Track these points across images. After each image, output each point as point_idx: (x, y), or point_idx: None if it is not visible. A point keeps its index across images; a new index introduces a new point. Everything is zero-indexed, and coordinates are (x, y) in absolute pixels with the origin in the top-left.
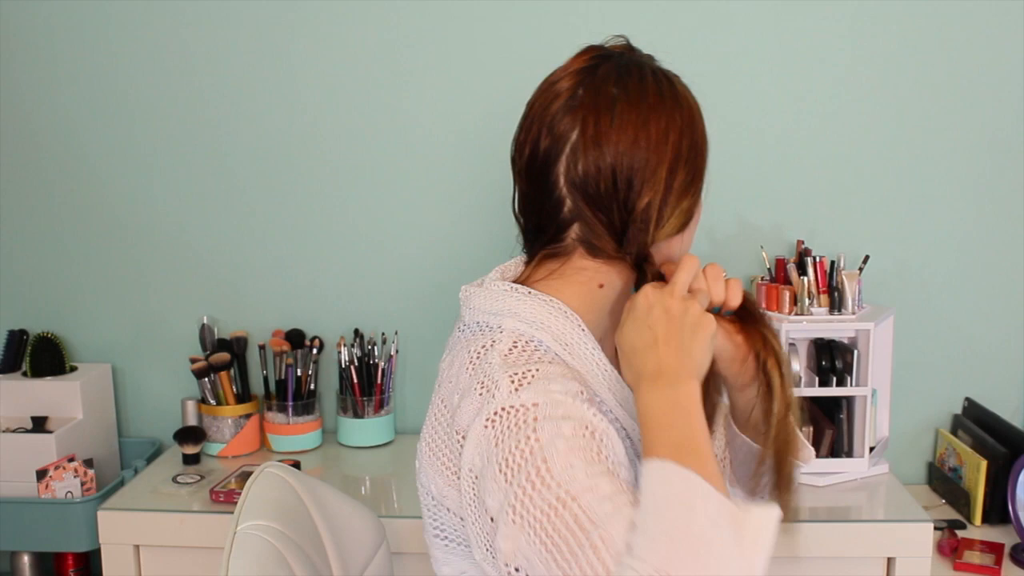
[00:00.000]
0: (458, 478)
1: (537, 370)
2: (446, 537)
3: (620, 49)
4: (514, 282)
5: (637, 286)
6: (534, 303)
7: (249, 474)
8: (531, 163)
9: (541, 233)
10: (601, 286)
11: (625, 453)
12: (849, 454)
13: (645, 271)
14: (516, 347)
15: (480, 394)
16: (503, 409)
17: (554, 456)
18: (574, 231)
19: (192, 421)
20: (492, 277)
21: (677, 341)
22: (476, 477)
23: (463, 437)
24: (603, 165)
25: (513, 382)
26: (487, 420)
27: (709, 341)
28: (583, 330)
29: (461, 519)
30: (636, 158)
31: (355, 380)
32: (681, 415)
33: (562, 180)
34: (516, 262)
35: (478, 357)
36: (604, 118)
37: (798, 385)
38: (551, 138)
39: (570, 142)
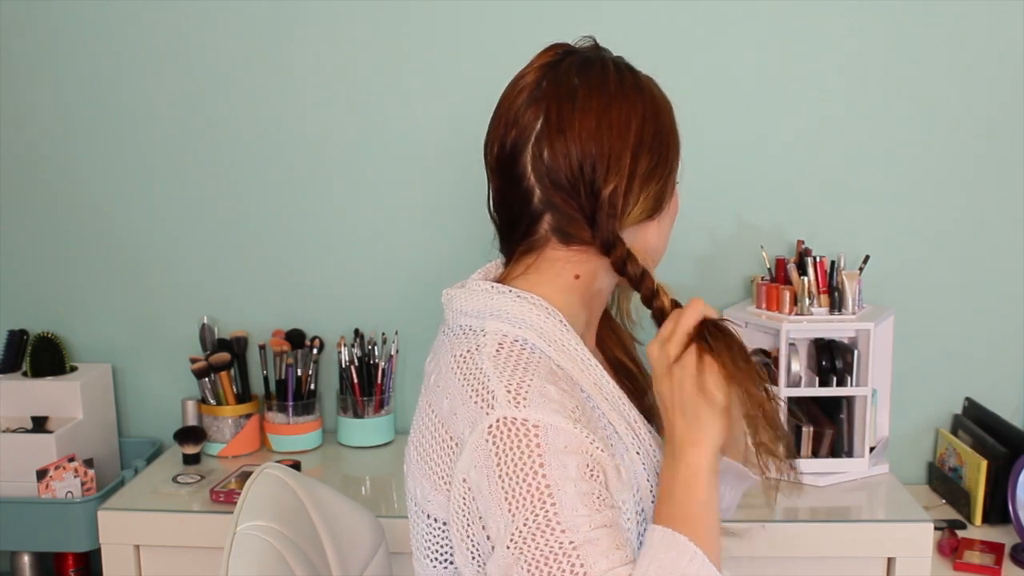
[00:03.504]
0: (447, 484)
1: (532, 381)
2: (435, 558)
3: (586, 47)
4: (494, 281)
5: (617, 271)
6: (515, 301)
7: (249, 474)
8: (499, 157)
9: (515, 228)
10: (577, 277)
11: (615, 470)
12: (849, 454)
13: (615, 257)
14: (503, 348)
15: (475, 402)
16: (502, 420)
17: (563, 500)
18: (546, 221)
19: (192, 421)
20: (474, 278)
21: (680, 404)
22: (470, 489)
23: (457, 444)
24: (567, 152)
25: (510, 392)
26: (487, 431)
27: None
28: (564, 326)
29: (444, 524)
30: (600, 145)
31: (355, 380)
32: (681, 488)
33: (529, 170)
34: (497, 263)
35: (464, 361)
36: (566, 106)
37: (798, 385)
38: (516, 130)
39: (535, 132)
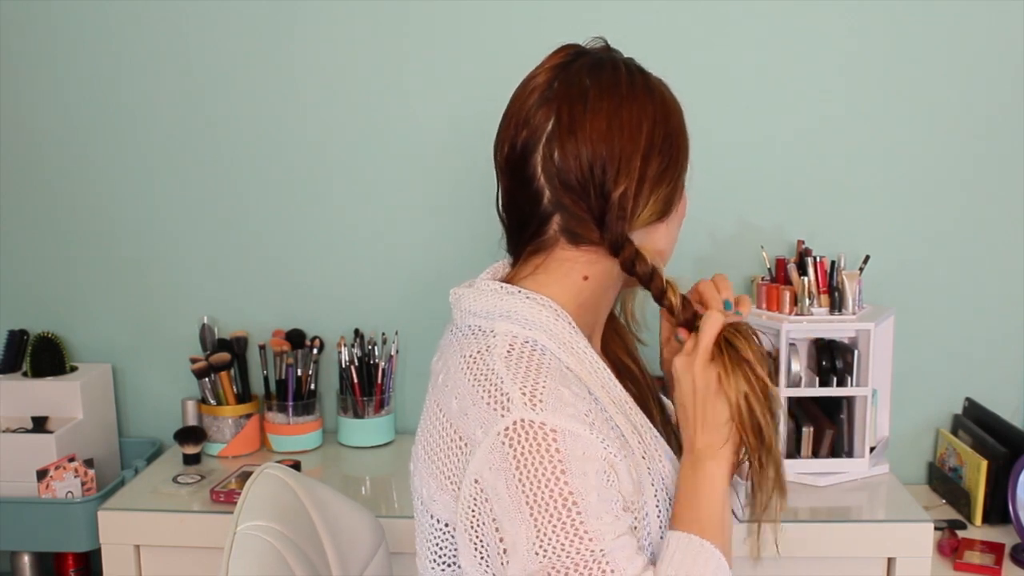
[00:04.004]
0: (455, 485)
1: (546, 383)
2: (436, 560)
3: (597, 48)
4: (502, 281)
5: (627, 271)
6: (524, 302)
7: (249, 474)
8: (510, 157)
9: (524, 229)
10: (586, 278)
11: (626, 473)
12: (849, 454)
13: (624, 257)
14: (513, 349)
15: (488, 403)
16: (519, 422)
17: (587, 509)
18: (555, 222)
19: (192, 421)
20: (483, 278)
21: (701, 416)
22: (483, 490)
23: (467, 444)
24: (578, 154)
25: (525, 394)
26: (503, 433)
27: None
28: (573, 328)
29: (446, 525)
30: (610, 147)
31: (355, 380)
32: (704, 493)
33: (539, 171)
34: (504, 263)
35: (474, 362)
36: (577, 107)
37: (798, 385)
38: (527, 130)
39: (546, 132)
